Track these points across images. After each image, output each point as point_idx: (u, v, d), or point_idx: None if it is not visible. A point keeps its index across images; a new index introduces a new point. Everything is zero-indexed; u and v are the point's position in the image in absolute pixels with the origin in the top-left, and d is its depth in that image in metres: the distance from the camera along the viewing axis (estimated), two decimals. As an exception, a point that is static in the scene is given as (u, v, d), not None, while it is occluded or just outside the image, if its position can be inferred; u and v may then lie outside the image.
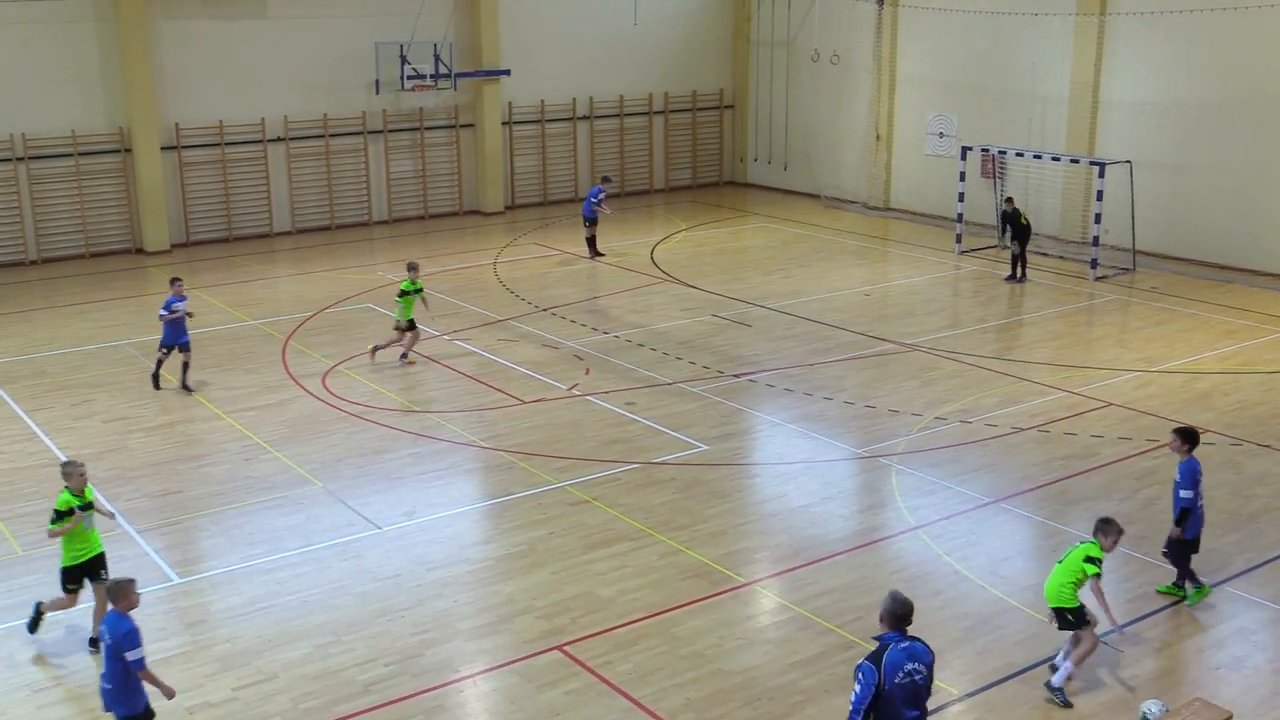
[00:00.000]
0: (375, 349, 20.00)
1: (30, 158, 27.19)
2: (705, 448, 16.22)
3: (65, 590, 11.52)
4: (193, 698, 10.62)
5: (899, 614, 8.02)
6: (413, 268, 20.26)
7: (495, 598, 12.37)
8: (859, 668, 7.92)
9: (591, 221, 27.57)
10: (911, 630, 8.17)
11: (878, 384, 18.83)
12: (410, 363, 19.89)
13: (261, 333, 21.86)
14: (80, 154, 27.69)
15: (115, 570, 12.90)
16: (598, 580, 12.66)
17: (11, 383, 19.11)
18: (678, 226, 31.32)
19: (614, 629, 11.70)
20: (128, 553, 13.32)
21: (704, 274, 25.75)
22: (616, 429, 16.96)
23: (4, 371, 19.75)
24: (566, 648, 11.37)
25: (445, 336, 21.26)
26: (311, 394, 18.39)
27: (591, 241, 27.68)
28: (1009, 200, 25.55)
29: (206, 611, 12.23)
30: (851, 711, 7.85)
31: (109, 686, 9.32)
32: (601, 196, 27.46)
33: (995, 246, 27.89)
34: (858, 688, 7.84)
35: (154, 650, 11.34)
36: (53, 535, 11.37)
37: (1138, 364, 19.76)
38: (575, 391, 18.48)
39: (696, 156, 37.04)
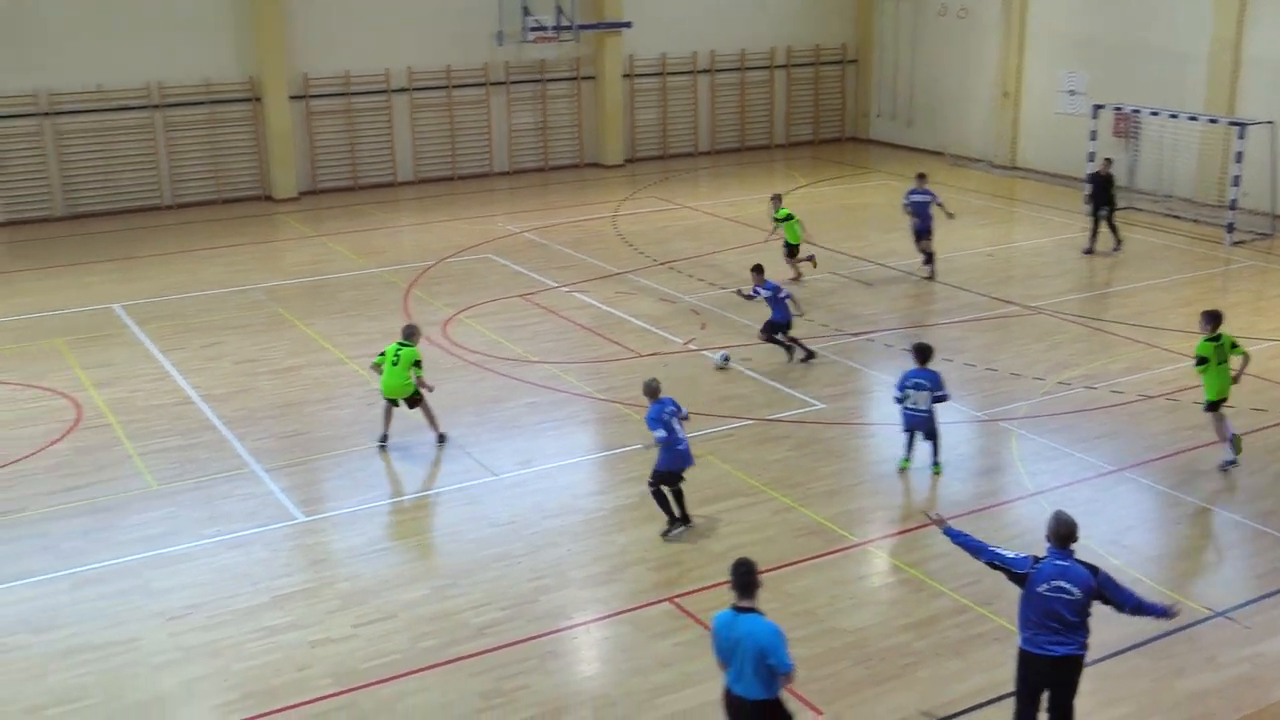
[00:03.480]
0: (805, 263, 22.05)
1: (165, 105, 27.98)
2: (821, 406, 16.12)
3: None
4: (316, 632, 10.96)
5: (1061, 533, 8.50)
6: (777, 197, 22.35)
7: (609, 548, 12.50)
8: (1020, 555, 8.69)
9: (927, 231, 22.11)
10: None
11: (999, 346, 18.49)
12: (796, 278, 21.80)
13: (384, 280, 22.27)
14: (213, 102, 28.40)
15: (248, 507, 13.37)
16: (710, 535, 12.71)
17: (149, 323, 19.80)
18: (797, 182, 31.01)
19: (725, 583, 11.63)
20: (255, 490, 13.77)
21: (823, 231, 25.45)
22: (731, 385, 16.95)
23: (142, 312, 20.45)
24: (678, 600, 11.46)
25: (563, 289, 21.40)
26: (432, 342, 18.69)
27: (930, 256, 22.20)
28: (1108, 161, 24.36)
29: (329, 550, 12.59)
30: (990, 550, 8.78)
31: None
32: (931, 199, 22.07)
33: (1124, 208, 27.10)
34: (1009, 553, 8.70)
35: (280, 585, 11.75)
36: (420, 379, 14.63)
37: (1274, 333, 19.07)
38: (691, 346, 18.50)
39: (818, 112, 36.55)
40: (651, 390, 12.74)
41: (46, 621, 11.14)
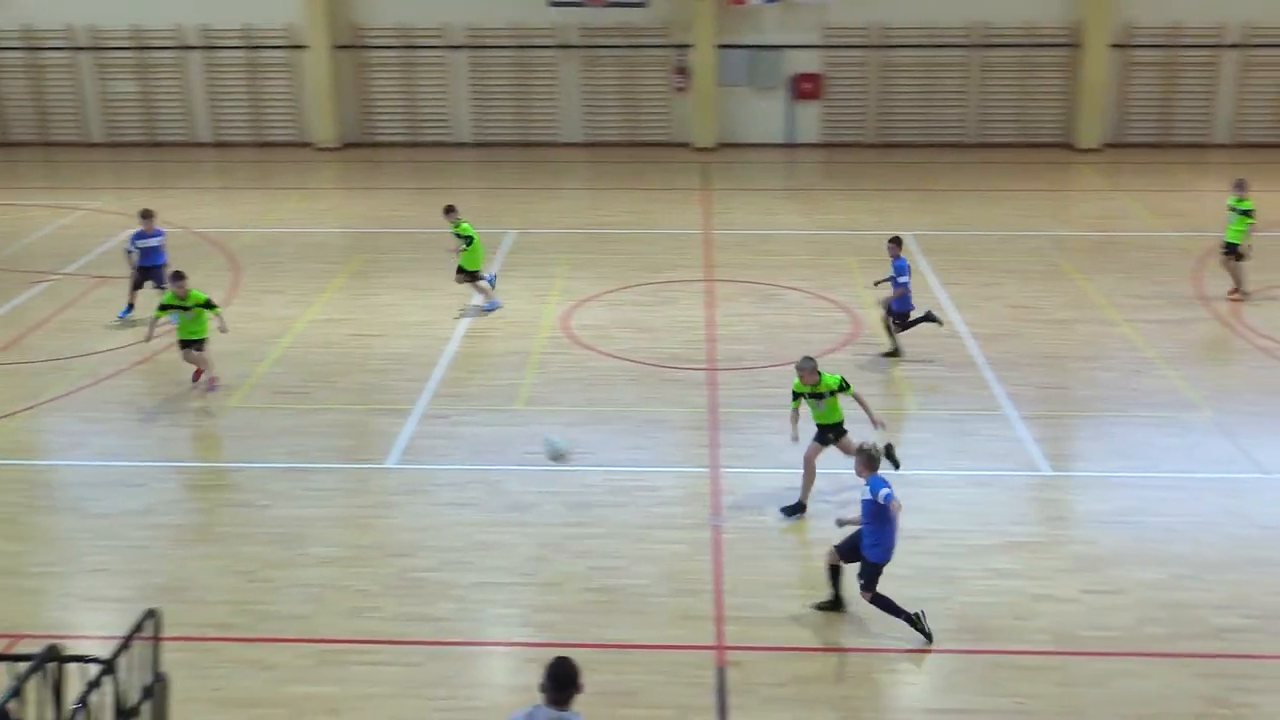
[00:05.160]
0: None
1: (983, 45, 28.53)
2: None
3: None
4: (1041, 587, 10.90)
5: None
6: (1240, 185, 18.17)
7: (1386, 583, 10.97)
8: None
9: None
10: None
11: None
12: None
13: (1178, 246, 21.06)
14: (1029, 45, 28.47)
15: (995, 448, 13.54)
16: None
17: (932, 254, 20.60)
18: None
19: None
20: (1005, 434, 13.90)
21: None
22: None
23: (929, 242, 21.32)
24: None
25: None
26: (1219, 319, 17.43)
27: None
28: None
29: (1069, 509, 12.41)
30: None
31: None
32: None
33: None
34: None
35: (1014, 532, 11.82)
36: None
37: None
38: None
39: None
40: (875, 461, 10.14)
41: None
